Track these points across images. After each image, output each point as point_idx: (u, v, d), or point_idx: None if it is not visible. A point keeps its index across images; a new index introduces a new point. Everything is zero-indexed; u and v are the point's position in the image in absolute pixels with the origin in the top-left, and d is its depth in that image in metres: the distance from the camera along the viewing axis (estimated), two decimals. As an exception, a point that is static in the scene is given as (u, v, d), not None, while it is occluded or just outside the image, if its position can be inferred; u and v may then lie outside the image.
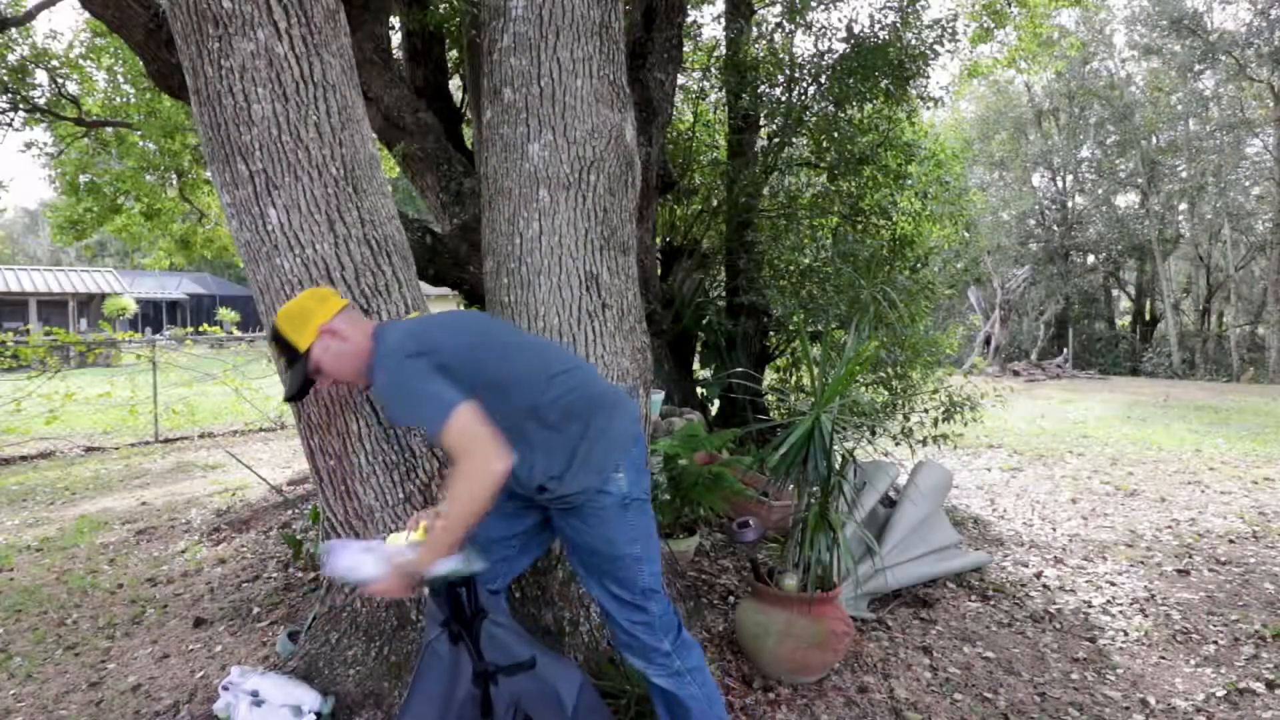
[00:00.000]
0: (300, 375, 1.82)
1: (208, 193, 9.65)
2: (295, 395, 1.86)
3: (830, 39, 5.35)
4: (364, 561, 1.73)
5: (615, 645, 1.96)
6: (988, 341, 18.40)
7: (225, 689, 2.11)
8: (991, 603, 3.45)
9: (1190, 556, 4.08)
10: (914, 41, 5.34)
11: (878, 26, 5.30)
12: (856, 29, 5.48)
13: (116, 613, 3.43)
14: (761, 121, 5.90)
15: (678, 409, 4.78)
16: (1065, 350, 19.44)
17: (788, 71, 5.47)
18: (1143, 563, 3.99)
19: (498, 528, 1.94)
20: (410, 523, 1.93)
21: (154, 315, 30.96)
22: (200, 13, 2.15)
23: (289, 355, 1.84)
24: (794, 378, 5.78)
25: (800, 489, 2.78)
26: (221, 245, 10.75)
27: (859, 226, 5.56)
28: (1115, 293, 24.66)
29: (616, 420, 1.87)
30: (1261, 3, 16.70)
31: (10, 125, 7.84)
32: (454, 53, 5.67)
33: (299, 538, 3.92)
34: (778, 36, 5.91)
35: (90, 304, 23.05)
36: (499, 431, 1.69)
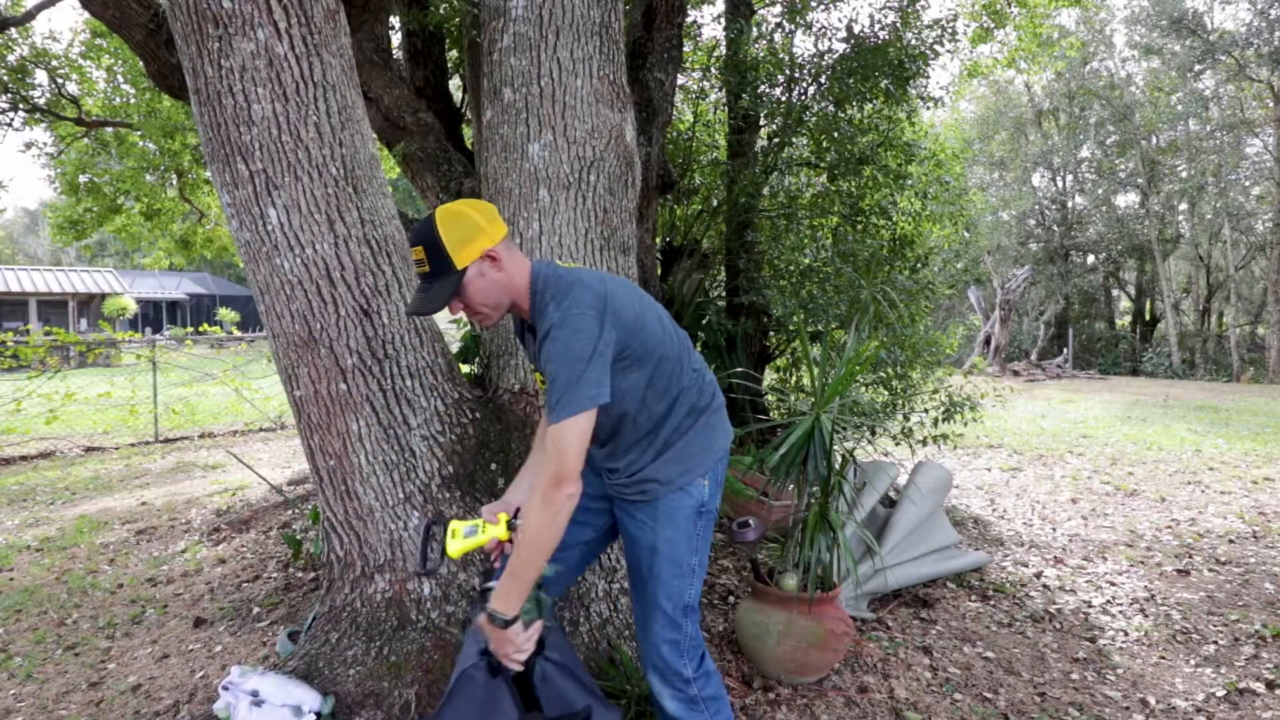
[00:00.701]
0: (445, 295, 1.62)
1: (208, 193, 9.65)
2: (428, 312, 1.65)
3: (830, 39, 5.35)
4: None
5: (641, 662, 1.92)
6: (988, 341, 18.40)
7: (225, 689, 2.11)
8: (991, 603, 3.45)
9: (1190, 556, 4.08)
10: (914, 41, 5.34)
11: (878, 26, 5.30)
12: (856, 29, 5.48)
13: (116, 613, 3.43)
14: (761, 121, 5.90)
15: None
16: (1065, 350, 19.45)
17: (788, 71, 5.47)
18: (1143, 563, 3.99)
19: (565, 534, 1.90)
20: (486, 513, 1.82)
21: (154, 315, 30.97)
22: (200, 13, 2.15)
23: (438, 267, 1.61)
24: (794, 378, 5.78)
25: (800, 489, 2.78)
26: (221, 245, 10.76)
27: (859, 226, 5.55)
28: (1115, 293, 24.66)
29: (718, 431, 1.86)
30: (1261, 3, 16.70)
31: (10, 125, 7.85)
32: (454, 53, 5.67)
33: (299, 538, 3.92)
34: (778, 36, 5.90)
35: (90, 304, 23.06)
36: (635, 406, 1.71)
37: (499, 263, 1.65)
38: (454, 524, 1.77)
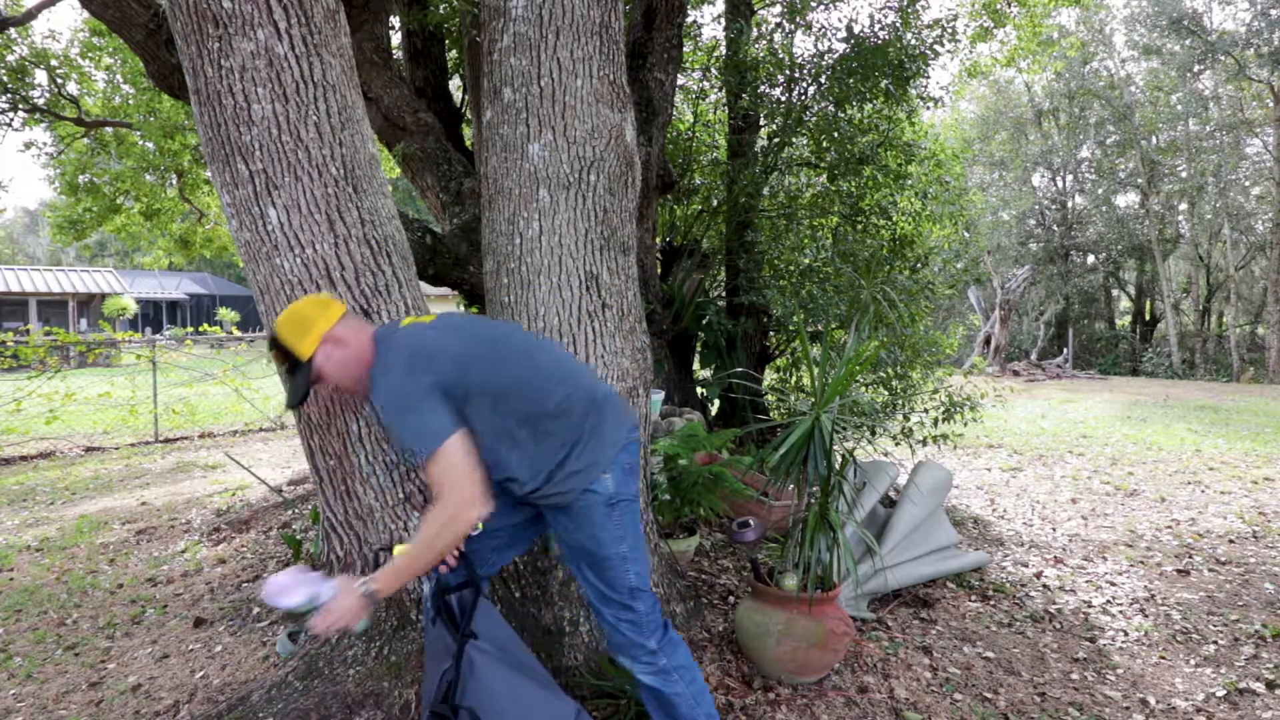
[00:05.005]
0: (303, 384, 1.82)
1: (208, 193, 9.66)
2: (297, 403, 1.86)
3: (830, 39, 5.36)
4: (322, 589, 1.73)
5: (608, 643, 1.99)
6: (988, 341, 18.40)
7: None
8: (991, 603, 3.45)
9: (1190, 556, 4.08)
10: (914, 41, 5.34)
11: (878, 26, 5.31)
12: (856, 29, 5.49)
13: (116, 613, 3.43)
14: (761, 121, 5.90)
15: (678, 409, 4.78)
16: (1065, 350, 19.44)
17: (788, 71, 5.47)
18: (1143, 563, 3.99)
19: (492, 519, 1.96)
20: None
21: (154, 315, 30.96)
22: (200, 13, 2.15)
23: (290, 363, 1.83)
24: (794, 378, 5.78)
25: (800, 489, 2.78)
26: (221, 245, 10.77)
27: (859, 226, 5.56)
28: (1115, 293, 24.66)
29: (607, 424, 1.90)
30: (1261, 3, 16.70)
31: (10, 125, 7.85)
32: (454, 53, 5.67)
33: (299, 538, 3.92)
34: (778, 36, 5.91)
35: (90, 304, 23.05)
36: (494, 436, 1.78)
37: (341, 342, 1.81)
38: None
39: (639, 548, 1.93)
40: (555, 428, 1.83)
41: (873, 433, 4.78)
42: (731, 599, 3.35)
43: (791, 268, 5.70)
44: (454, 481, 1.66)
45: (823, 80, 5.31)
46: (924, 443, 5.19)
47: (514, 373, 1.84)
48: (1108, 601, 3.48)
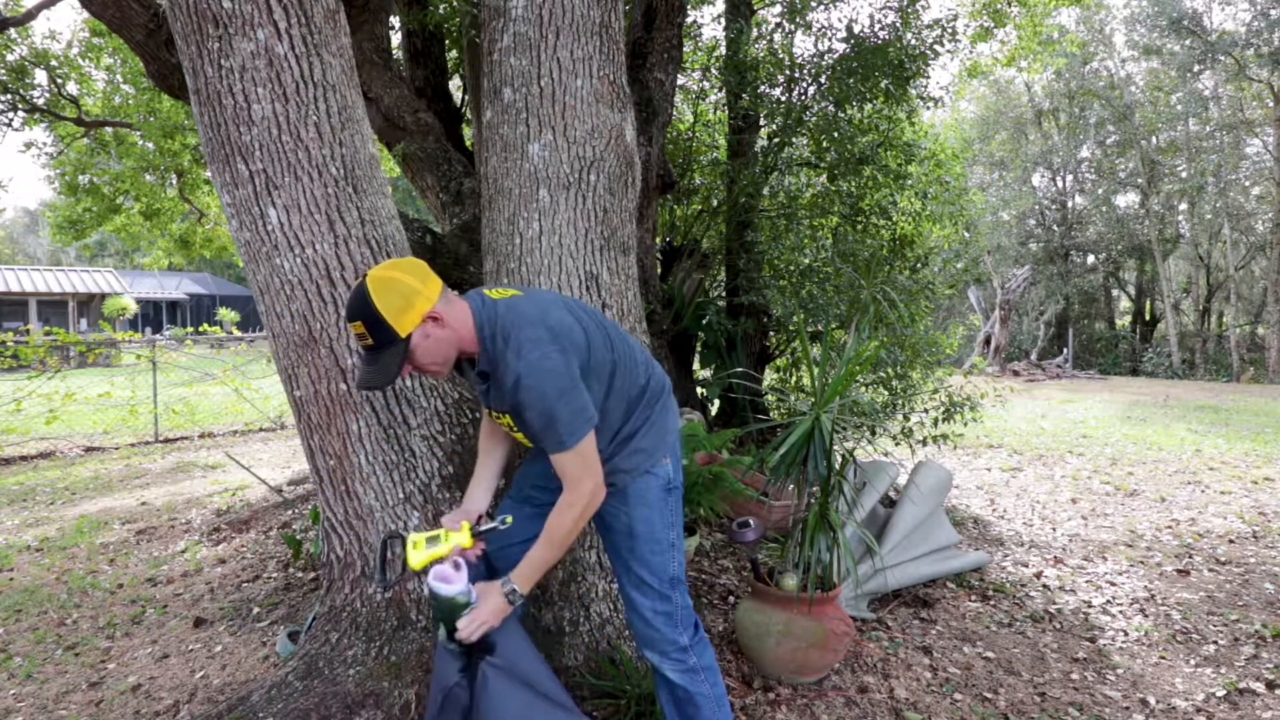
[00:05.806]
0: (395, 364, 1.59)
1: (208, 193, 9.67)
2: (379, 387, 1.61)
3: (830, 39, 5.36)
4: (471, 589, 1.71)
5: (637, 640, 1.96)
6: (988, 341, 18.40)
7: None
8: (991, 603, 3.45)
9: (1190, 556, 4.08)
10: (914, 41, 5.34)
11: (878, 26, 5.30)
12: (856, 29, 5.48)
13: (116, 613, 3.43)
14: (761, 121, 5.90)
15: (678, 409, 4.78)
16: (1065, 350, 19.44)
17: (788, 71, 5.47)
18: (1143, 563, 3.99)
19: (520, 529, 1.94)
20: (448, 522, 1.87)
21: (154, 315, 30.97)
22: (200, 13, 2.15)
23: (381, 338, 1.58)
24: (794, 378, 5.78)
25: (800, 489, 2.78)
26: (221, 245, 10.78)
27: (859, 226, 5.56)
28: (1115, 293, 24.67)
29: (670, 412, 1.96)
30: (1261, 3, 16.70)
31: (10, 125, 7.85)
32: (454, 53, 5.67)
33: (299, 538, 3.92)
34: (778, 36, 5.91)
35: (90, 304, 23.05)
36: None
37: (441, 321, 1.63)
38: (414, 536, 1.81)
39: (682, 539, 1.95)
40: (636, 408, 1.86)
41: (873, 433, 4.77)
42: (731, 599, 3.35)
43: (791, 268, 5.70)
44: (590, 470, 1.65)
45: (823, 80, 5.31)
46: (924, 443, 5.19)
47: (619, 352, 1.84)
48: (1108, 601, 3.48)
